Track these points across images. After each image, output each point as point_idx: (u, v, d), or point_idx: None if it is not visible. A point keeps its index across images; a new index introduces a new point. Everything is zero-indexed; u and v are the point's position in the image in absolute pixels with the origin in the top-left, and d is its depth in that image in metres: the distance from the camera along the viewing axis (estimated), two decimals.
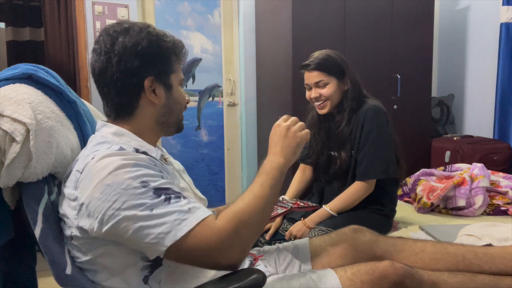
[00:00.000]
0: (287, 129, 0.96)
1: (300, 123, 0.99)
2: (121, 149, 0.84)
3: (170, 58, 0.93)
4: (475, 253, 1.06)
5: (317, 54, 1.61)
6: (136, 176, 0.77)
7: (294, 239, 1.44)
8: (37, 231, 0.83)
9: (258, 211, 0.82)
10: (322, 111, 1.63)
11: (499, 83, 3.01)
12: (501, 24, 2.97)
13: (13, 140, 0.80)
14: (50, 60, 2.76)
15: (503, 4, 2.96)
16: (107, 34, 0.90)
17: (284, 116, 1.00)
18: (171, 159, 1.09)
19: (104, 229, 0.76)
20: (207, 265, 0.80)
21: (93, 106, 1.24)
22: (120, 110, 0.93)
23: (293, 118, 0.99)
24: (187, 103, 1.01)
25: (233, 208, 0.82)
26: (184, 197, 0.80)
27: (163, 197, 0.77)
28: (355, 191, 1.57)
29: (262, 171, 0.90)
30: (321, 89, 1.59)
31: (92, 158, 0.80)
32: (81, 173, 0.81)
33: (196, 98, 3.33)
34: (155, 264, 0.83)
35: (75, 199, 0.80)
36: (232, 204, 0.85)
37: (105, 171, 0.77)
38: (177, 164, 1.10)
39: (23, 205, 0.85)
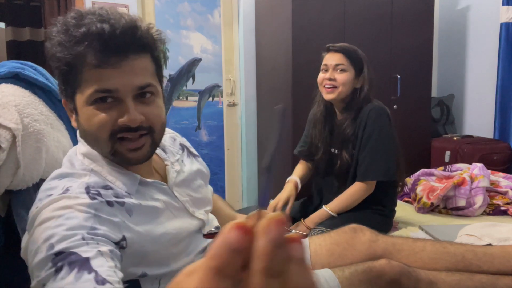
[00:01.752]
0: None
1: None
2: (66, 190, 0.71)
3: (67, 71, 0.69)
4: (474, 252, 1.06)
5: (347, 45, 1.66)
6: (48, 236, 0.64)
7: None
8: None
9: None
10: (329, 96, 1.61)
11: (499, 83, 3.01)
12: (501, 24, 2.97)
13: None
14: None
15: (503, 4, 2.96)
16: None
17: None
18: (178, 162, 0.95)
19: None
20: None
21: None
22: None
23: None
24: (126, 126, 0.71)
25: None
26: (81, 269, 0.61)
27: (57, 265, 0.61)
28: (355, 191, 1.57)
29: None
30: (338, 74, 1.60)
31: (36, 207, 0.70)
32: (28, 219, 0.73)
33: (196, 98, 3.33)
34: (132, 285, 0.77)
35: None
36: None
37: (34, 225, 0.68)
38: (185, 172, 0.94)
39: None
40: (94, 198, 0.71)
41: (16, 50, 3.32)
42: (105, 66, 0.67)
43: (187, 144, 1.06)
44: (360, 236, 1.15)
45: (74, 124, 0.76)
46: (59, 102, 0.93)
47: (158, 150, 0.92)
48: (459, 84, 3.48)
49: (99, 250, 0.64)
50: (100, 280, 0.60)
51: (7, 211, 0.87)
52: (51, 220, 0.66)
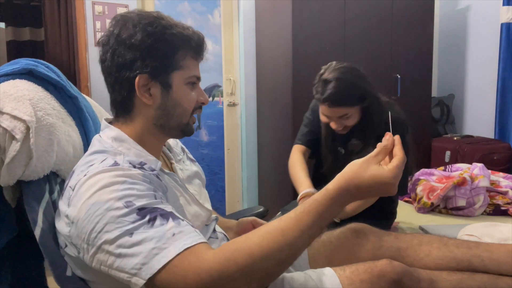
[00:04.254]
0: (390, 188, 0.70)
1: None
2: (115, 164, 0.77)
3: (173, 53, 0.83)
4: (481, 259, 1.02)
5: (334, 82, 1.39)
6: (121, 196, 0.69)
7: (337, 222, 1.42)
8: (37, 232, 0.81)
9: (274, 256, 0.63)
10: (342, 132, 1.52)
11: (499, 83, 3.01)
12: (502, 24, 2.96)
13: (13, 138, 0.78)
14: (50, 60, 2.75)
15: (503, 4, 2.96)
16: (109, 24, 0.85)
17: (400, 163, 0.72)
18: (181, 162, 1.02)
19: (90, 253, 0.70)
20: None
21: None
22: (117, 109, 0.87)
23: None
24: (203, 104, 0.91)
25: (241, 243, 0.64)
26: (175, 218, 0.69)
27: (147, 218, 0.67)
28: (364, 201, 1.49)
29: (316, 205, 0.67)
30: (345, 121, 1.45)
31: (84, 175, 0.75)
32: (73, 189, 0.75)
33: None
34: None
35: (67, 217, 0.75)
36: (250, 232, 0.68)
37: (91, 190, 0.71)
38: (188, 170, 1.02)
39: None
40: (143, 170, 0.79)
41: (16, 50, 3.32)
42: (199, 60, 0.89)
43: (186, 149, 1.13)
44: (363, 243, 1.10)
45: (149, 100, 0.84)
46: (69, 99, 0.97)
47: (164, 149, 1.00)
48: (459, 84, 3.48)
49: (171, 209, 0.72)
50: (194, 228, 0.70)
51: (17, 203, 0.90)
52: (116, 185, 0.70)
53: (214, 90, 3.37)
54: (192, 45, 0.86)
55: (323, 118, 1.52)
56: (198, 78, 0.89)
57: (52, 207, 0.86)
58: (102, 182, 0.71)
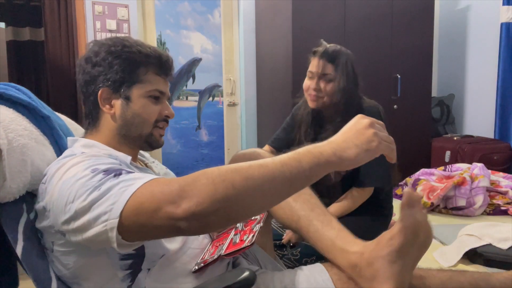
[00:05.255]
0: (370, 125, 0.74)
1: (385, 135, 0.75)
2: (82, 154, 0.83)
3: (133, 68, 0.92)
4: (309, 219, 0.93)
5: (334, 46, 1.55)
6: (87, 166, 0.75)
7: (291, 245, 1.43)
8: (18, 249, 0.81)
9: (241, 170, 0.64)
10: (313, 104, 1.50)
11: (499, 83, 3.01)
12: (501, 24, 2.97)
13: None
14: (50, 60, 2.76)
15: (503, 4, 2.97)
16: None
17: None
18: (153, 165, 1.08)
19: (70, 227, 0.72)
20: (155, 220, 0.64)
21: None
22: (88, 121, 0.96)
23: (382, 124, 0.78)
24: (167, 117, 0.96)
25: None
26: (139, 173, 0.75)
27: (113, 174, 0.71)
28: (352, 198, 1.50)
29: (297, 151, 0.70)
30: (326, 84, 1.47)
31: (55, 168, 0.80)
32: (45, 183, 0.80)
33: (196, 98, 3.33)
34: (134, 271, 0.82)
35: (44, 208, 0.79)
36: None
37: (61, 174, 0.76)
38: (163, 169, 1.10)
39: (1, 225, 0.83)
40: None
41: (16, 50, 3.32)
42: (163, 77, 0.95)
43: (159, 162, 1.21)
44: None
45: (110, 111, 0.92)
46: (42, 119, 0.99)
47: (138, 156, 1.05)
48: (459, 84, 3.48)
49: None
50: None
51: None
52: (84, 161, 0.76)
53: (214, 90, 3.38)
54: (151, 61, 0.93)
55: (306, 83, 1.53)
56: (162, 93, 0.95)
57: (31, 225, 0.86)
58: (69, 163, 0.77)
